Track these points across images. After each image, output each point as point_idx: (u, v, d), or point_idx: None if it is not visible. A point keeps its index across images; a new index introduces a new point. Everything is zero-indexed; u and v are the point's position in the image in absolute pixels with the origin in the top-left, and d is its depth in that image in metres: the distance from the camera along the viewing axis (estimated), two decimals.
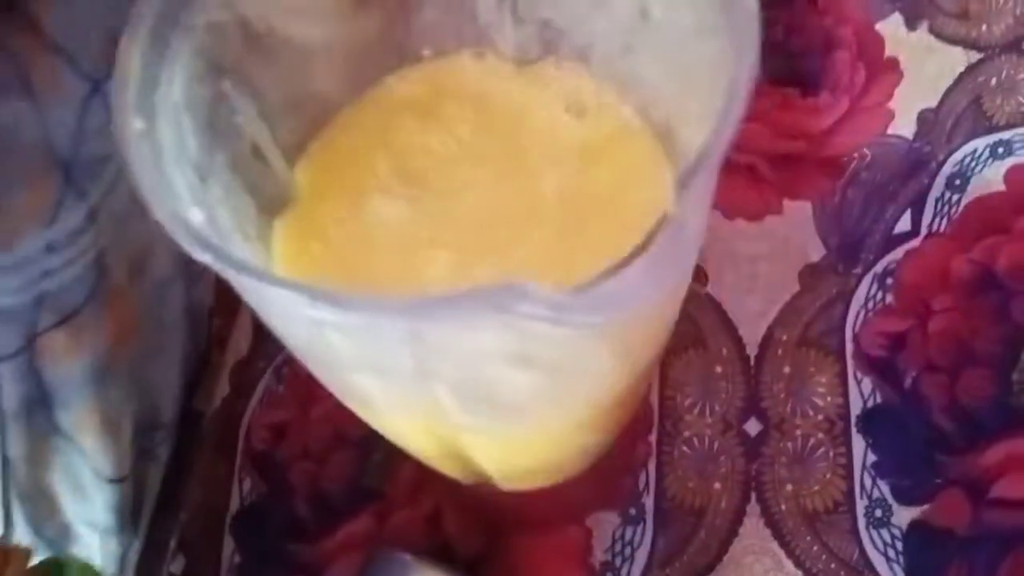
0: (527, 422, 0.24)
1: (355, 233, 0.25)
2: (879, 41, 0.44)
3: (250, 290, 0.18)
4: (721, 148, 0.19)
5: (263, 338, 0.41)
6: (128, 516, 0.37)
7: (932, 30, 0.44)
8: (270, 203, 0.25)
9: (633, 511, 0.36)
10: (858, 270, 0.39)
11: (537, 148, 0.27)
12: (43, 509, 0.35)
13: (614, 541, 0.36)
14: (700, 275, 0.40)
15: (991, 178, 0.40)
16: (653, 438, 0.37)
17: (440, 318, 0.17)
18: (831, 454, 0.36)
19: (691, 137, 0.24)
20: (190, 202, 0.20)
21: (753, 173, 0.42)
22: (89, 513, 0.36)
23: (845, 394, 0.37)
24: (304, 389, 0.39)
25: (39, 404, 0.33)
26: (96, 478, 0.35)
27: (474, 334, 0.19)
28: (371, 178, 0.26)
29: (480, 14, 0.29)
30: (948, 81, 0.43)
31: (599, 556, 0.35)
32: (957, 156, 0.41)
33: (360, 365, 0.21)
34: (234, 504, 0.38)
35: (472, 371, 0.21)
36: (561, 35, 0.29)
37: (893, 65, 0.43)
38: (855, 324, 0.38)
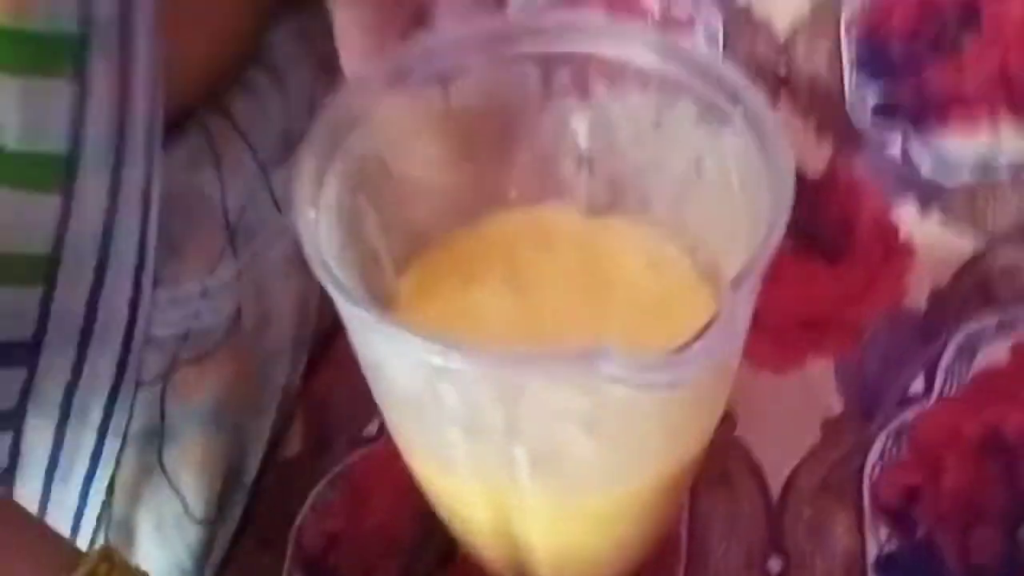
0: (586, 494, 0.27)
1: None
2: (894, 225, 0.49)
3: (375, 343, 0.23)
4: (764, 261, 0.23)
5: (319, 445, 0.44)
6: (202, 561, 0.40)
7: (943, 219, 0.49)
8: (377, 303, 0.29)
9: None
10: (875, 425, 0.42)
11: (606, 276, 0.31)
12: (120, 541, 0.37)
13: None
14: (729, 420, 0.43)
15: (998, 350, 0.44)
16: (681, 569, 0.39)
17: (539, 371, 0.21)
18: None
19: (731, 268, 0.29)
20: None
21: (780, 332, 0.46)
22: (163, 555, 0.38)
23: (862, 540, 0.39)
24: (359, 501, 0.42)
25: (155, 436, 0.37)
26: (184, 517, 0.39)
27: (557, 393, 0.23)
28: (464, 290, 0.30)
29: (561, 169, 0.34)
30: (957, 264, 0.47)
31: None
32: (966, 330, 0.45)
33: (457, 419, 0.25)
34: None
35: (549, 433, 0.25)
36: (626, 189, 0.34)
37: (907, 247, 0.48)
38: (872, 474, 0.41)
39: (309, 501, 0.42)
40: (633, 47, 0.31)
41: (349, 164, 0.29)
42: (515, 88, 0.33)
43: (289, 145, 0.41)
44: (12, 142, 0.29)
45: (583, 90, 0.33)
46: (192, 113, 0.38)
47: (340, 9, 0.36)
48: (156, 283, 0.35)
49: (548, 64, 0.32)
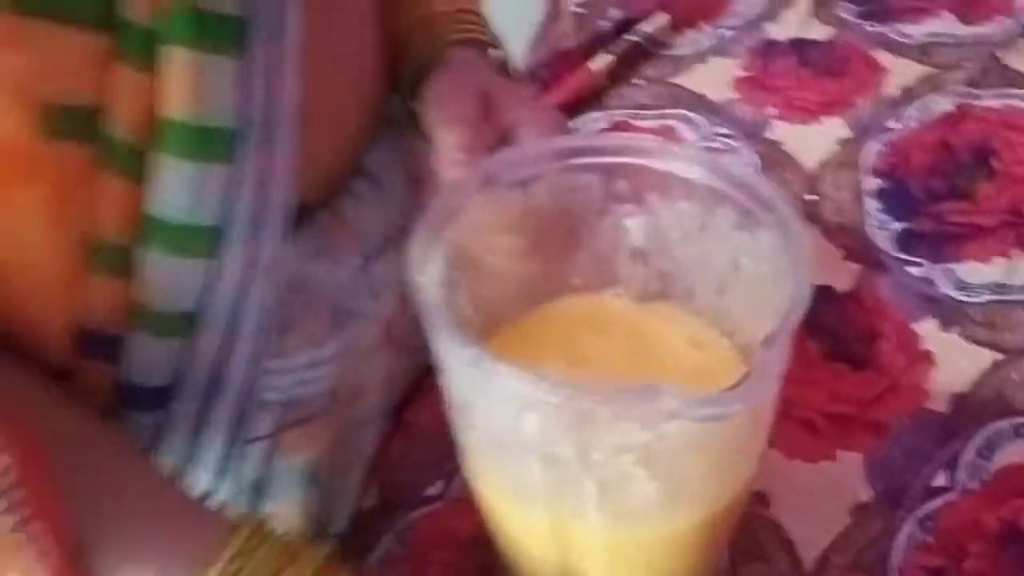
0: (642, 527, 0.32)
1: None
2: (916, 337, 0.54)
3: (472, 380, 0.28)
4: (789, 327, 0.29)
5: (389, 502, 0.49)
6: None
7: (963, 334, 0.54)
8: None
9: None
10: (901, 512, 0.46)
11: (653, 353, 0.37)
12: None
13: None
14: (764, 500, 0.47)
15: (1015, 451, 0.48)
16: None
17: (608, 402, 0.26)
18: None
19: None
20: None
21: (811, 426, 0.50)
22: None
23: None
24: (421, 552, 0.46)
25: (259, 491, 0.42)
26: None
27: (621, 426, 0.28)
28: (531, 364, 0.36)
29: (617, 263, 0.40)
30: (976, 374, 0.52)
31: None
32: (985, 432, 0.49)
33: (536, 448, 0.30)
34: None
35: (613, 465, 0.30)
36: (674, 281, 0.40)
37: (928, 356, 0.53)
38: (899, 556, 0.44)
39: (377, 551, 0.47)
40: (681, 162, 0.37)
41: (447, 248, 0.35)
42: (581, 193, 0.39)
43: (385, 242, 0.48)
44: (178, 216, 0.35)
45: (638, 197, 0.39)
46: (310, 211, 0.45)
47: (440, 131, 0.43)
48: (271, 353, 0.41)
49: (609, 174, 0.39)
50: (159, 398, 0.39)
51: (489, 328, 0.38)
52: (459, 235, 0.36)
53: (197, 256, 0.37)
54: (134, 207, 0.35)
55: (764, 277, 0.36)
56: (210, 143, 0.35)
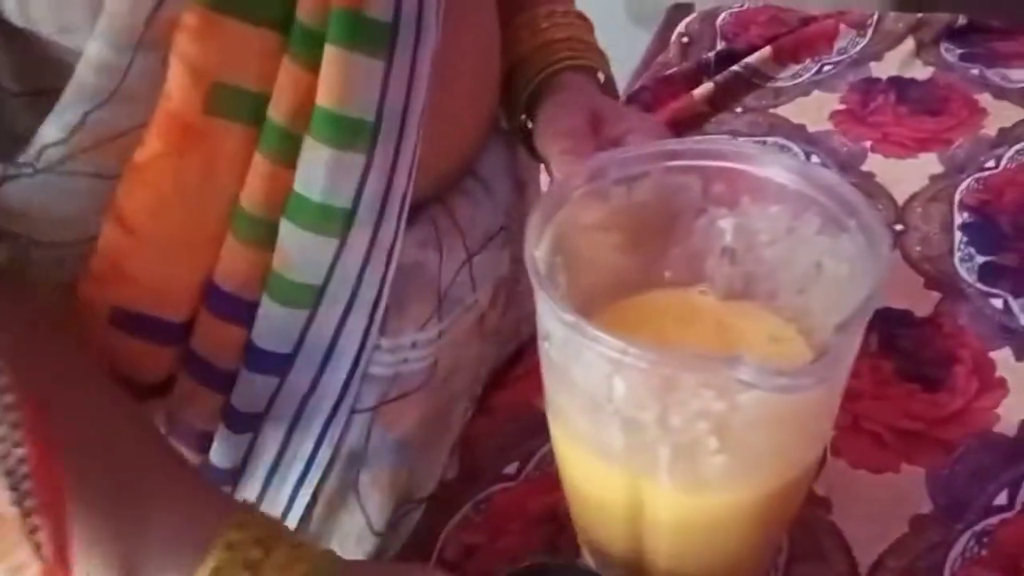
0: (711, 494, 0.35)
1: None
2: (992, 364, 0.55)
3: (570, 345, 0.32)
4: (861, 319, 0.32)
5: (470, 476, 0.53)
6: None
7: None
8: None
9: None
10: (960, 526, 0.48)
11: (734, 347, 0.40)
12: None
13: None
14: (826, 505, 0.49)
15: None
16: None
17: (690, 368, 0.30)
18: None
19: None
20: None
21: (879, 439, 0.52)
22: None
23: None
24: (495, 523, 0.50)
25: (357, 459, 0.47)
26: (366, 530, 0.48)
27: (700, 394, 0.32)
28: None
29: (708, 261, 0.44)
30: None
31: None
32: None
33: (623, 409, 0.34)
34: None
35: (689, 432, 0.33)
36: (758, 280, 0.43)
37: (1002, 383, 0.54)
38: (954, 566, 0.46)
39: (456, 518, 0.51)
40: (774, 168, 0.41)
41: (555, 232, 0.39)
42: (681, 194, 0.43)
43: (487, 239, 0.52)
44: (317, 196, 0.39)
45: (733, 200, 0.42)
46: (423, 207, 0.49)
47: (552, 140, 0.48)
48: (381, 332, 0.45)
49: (708, 177, 0.42)
50: (280, 364, 0.43)
51: (583, 313, 0.42)
52: (564, 224, 0.40)
53: (329, 235, 0.40)
54: (280, 185, 0.39)
55: (844, 278, 0.39)
56: (350, 133, 0.39)
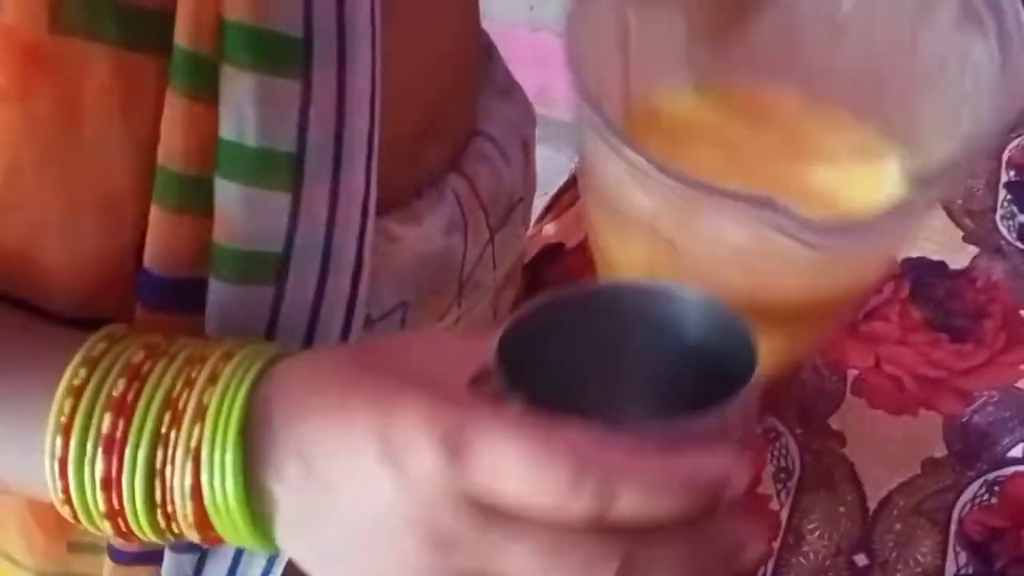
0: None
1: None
2: (1021, 321, 0.55)
3: (599, 151, 0.31)
4: (956, 165, 0.29)
5: None
6: None
7: None
8: None
9: None
10: (972, 473, 0.48)
11: (809, 153, 0.37)
12: None
13: None
14: (840, 439, 0.50)
15: None
16: (776, 544, 0.46)
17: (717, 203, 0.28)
18: None
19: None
20: None
21: (899, 383, 0.52)
22: None
23: (943, 559, 0.45)
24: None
25: None
26: None
27: (724, 225, 0.30)
28: (675, 145, 0.35)
29: (797, 50, 0.38)
30: None
31: None
32: None
33: (644, 221, 0.32)
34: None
35: (708, 258, 0.31)
36: (861, 76, 0.37)
37: None
38: (962, 510, 0.47)
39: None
40: None
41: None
42: None
43: (509, 211, 0.49)
44: (251, 139, 0.31)
45: None
46: (444, 180, 0.43)
47: None
48: (370, 305, 0.38)
49: None
50: None
51: (642, 99, 0.37)
52: None
53: (277, 188, 0.32)
54: (203, 131, 0.31)
55: (963, 92, 0.33)
56: (274, 51, 0.31)
